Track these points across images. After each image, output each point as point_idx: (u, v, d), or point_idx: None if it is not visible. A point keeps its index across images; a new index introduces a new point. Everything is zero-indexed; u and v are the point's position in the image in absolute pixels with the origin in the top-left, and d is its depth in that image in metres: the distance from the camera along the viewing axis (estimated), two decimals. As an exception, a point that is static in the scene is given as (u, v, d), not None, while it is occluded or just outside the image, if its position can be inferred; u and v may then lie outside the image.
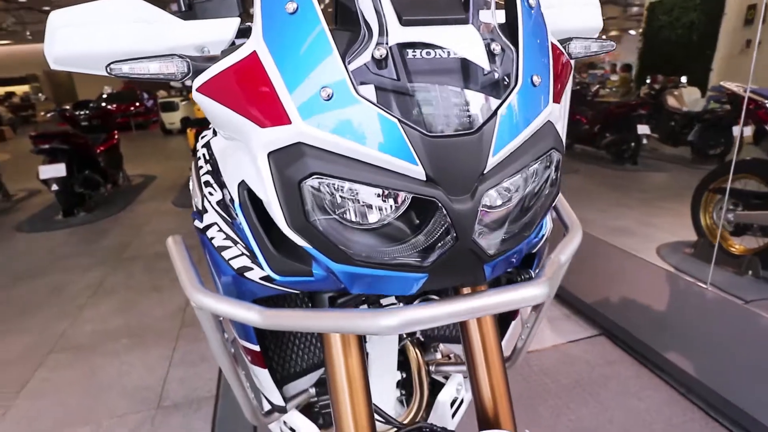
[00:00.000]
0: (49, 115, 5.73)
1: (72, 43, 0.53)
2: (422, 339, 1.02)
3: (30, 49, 18.65)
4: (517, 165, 0.48)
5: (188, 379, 1.92)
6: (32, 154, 4.22)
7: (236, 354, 0.73)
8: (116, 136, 5.36)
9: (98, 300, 2.68)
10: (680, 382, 1.75)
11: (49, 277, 3.06)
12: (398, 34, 0.46)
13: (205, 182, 0.72)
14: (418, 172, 0.45)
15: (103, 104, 8.41)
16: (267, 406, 0.87)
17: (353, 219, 0.48)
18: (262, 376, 0.81)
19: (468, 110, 0.47)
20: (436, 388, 1.06)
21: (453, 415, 1.02)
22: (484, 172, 0.47)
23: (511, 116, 0.47)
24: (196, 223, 0.70)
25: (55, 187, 4.18)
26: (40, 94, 18.21)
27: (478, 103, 0.47)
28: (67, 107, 5.71)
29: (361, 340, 0.64)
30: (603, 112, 5.76)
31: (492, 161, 0.47)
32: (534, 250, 0.69)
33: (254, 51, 0.48)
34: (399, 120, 0.45)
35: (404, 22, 0.47)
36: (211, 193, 0.70)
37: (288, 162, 0.47)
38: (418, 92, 0.46)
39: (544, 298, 0.53)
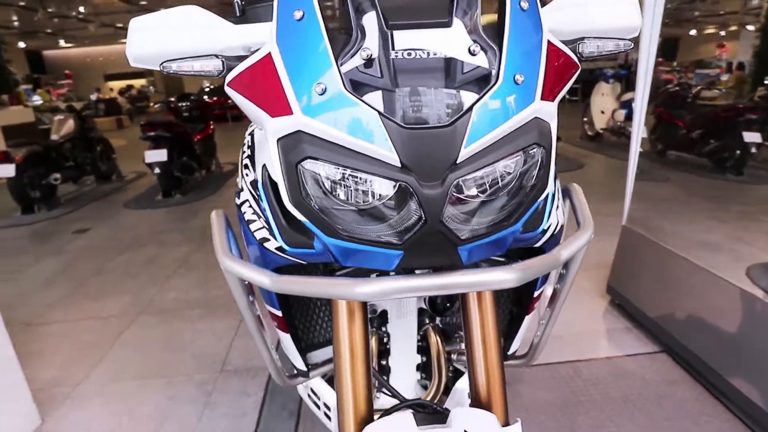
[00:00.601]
0: (157, 105, 6.44)
1: (144, 44, 0.62)
2: (442, 327, 1.07)
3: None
4: (492, 157, 0.52)
5: (248, 350, 2.10)
6: (141, 140, 4.76)
7: (265, 319, 0.83)
8: (212, 127, 5.86)
9: (183, 273, 2.99)
10: (746, 412, 1.61)
11: (146, 249, 3.46)
12: (384, 37, 0.53)
13: (244, 165, 0.83)
14: (393, 159, 0.51)
15: (204, 97, 9.23)
16: (293, 370, 0.96)
17: (342, 198, 0.55)
18: (286, 341, 0.90)
19: (445, 106, 0.52)
20: (457, 376, 1.10)
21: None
22: (457, 162, 0.52)
23: (487, 112, 0.52)
24: (236, 199, 0.81)
25: (157, 170, 4.69)
26: (151, 87, 20.22)
27: (455, 99, 0.52)
28: (172, 99, 6.31)
29: (365, 312, 0.71)
30: (705, 115, 5.27)
31: (465, 152, 0.51)
32: (537, 244, 0.72)
33: (269, 52, 0.57)
34: (379, 113, 0.51)
35: (390, 27, 0.53)
36: (247, 174, 0.80)
37: (290, 147, 0.55)
38: (399, 89, 0.52)
39: (511, 284, 0.56)
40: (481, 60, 0.53)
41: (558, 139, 0.89)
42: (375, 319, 1.02)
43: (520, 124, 0.54)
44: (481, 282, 0.57)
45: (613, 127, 6.48)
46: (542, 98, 0.55)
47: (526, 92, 0.54)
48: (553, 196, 0.75)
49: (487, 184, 0.54)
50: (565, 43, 0.63)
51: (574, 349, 1.97)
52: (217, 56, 0.62)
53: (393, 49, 0.52)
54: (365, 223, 0.56)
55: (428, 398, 1.01)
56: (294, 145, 0.54)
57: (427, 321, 1.04)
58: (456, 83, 0.52)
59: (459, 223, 0.55)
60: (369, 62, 0.52)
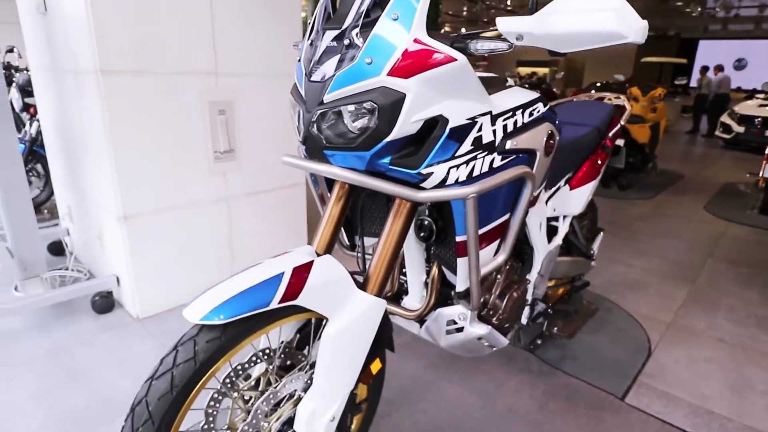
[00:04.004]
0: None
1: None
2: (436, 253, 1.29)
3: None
4: (342, 102, 0.91)
5: None
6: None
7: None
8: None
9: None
10: None
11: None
12: (318, 33, 0.99)
13: None
14: (302, 94, 0.99)
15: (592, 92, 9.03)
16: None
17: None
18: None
19: (324, 73, 0.94)
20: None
21: (447, 333, 1.31)
22: (323, 101, 0.94)
23: (343, 78, 0.91)
24: None
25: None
26: (557, 75, 21.01)
27: (330, 69, 0.93)
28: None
29: (410, 217, 1.07)
30: None
31: (326, 97, 0.93)
32: (425, 184, 0.99)
33: None
34: (305, 72, 0.98)
35: (323, 28, 0.98)
36: None
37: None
38: (314, 62, 0.97)
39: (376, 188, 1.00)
40: (354, 50, 0.91)
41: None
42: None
43: (367, 88, 0.89)
44: (377, 185, 0.98)
45: None
46: (390, 74, 0.87)
47: (372, 70, 0.88)
48: (453, 158, 0.98)
49: (336, 115, 0.93)
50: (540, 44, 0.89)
51: None
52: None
53: (321, 40, 0.98)
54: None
55: (419, 311, 1.33)
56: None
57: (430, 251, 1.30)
58: (337, 61, 0.93)
59: (320, 134, 0.96)
60: (311, 44, 0.99)
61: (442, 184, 0.98)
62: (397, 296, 1.46)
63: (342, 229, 1.33)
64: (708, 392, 1.77)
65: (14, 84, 3.59)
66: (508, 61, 22.60)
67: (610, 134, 1.87)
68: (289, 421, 1.04)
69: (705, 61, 12.32)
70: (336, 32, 0.95)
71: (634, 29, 0.84)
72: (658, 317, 2.31)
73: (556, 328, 2.11)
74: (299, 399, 1.05)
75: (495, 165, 1.05)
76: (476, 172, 1.01)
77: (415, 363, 1.87)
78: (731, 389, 1.79)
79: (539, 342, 2.06)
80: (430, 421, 1.57)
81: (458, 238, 1.07)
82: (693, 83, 12.64)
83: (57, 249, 2.84)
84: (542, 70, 22.50)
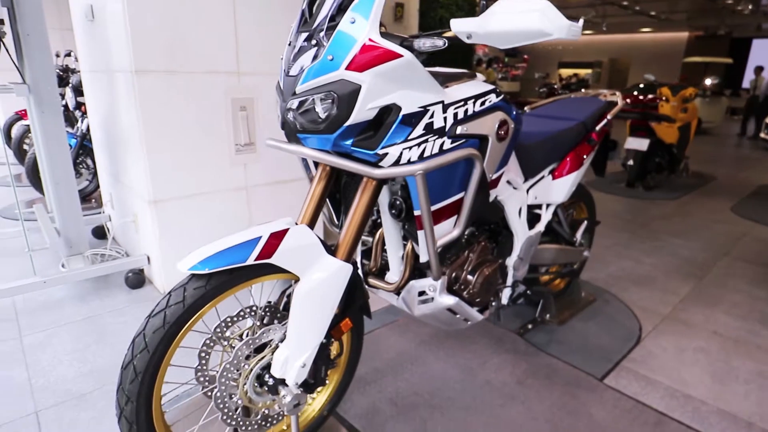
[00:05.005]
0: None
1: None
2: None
3: (603, 40, 20.92)
4: (310, 92, 1.07)
5: None
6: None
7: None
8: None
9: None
10: None
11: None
12: (296, 34, 1.16)
13: None
14: (281, 87, 1.16)
15: (635, 92, 9.03)
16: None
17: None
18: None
19: (300, 68, 1.10)
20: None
21: (418, 303, 1.44)
22: (296, 92, 1.10)
23: (311, 72, 1.07)
24: None
25: (630, 162, 4.76)
26: (589, 77, 20.39)
27: (303, 65, 1.09)
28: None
29: (375, 194, 1.24)
30: None
31: (299, 89, 1.09)
32: (382, 163, 1.14)
33: None
34: (284, 68, 1.15)
35: (298, 30, 1.15)
36: None
37: None
38: (290, 59, 1.14)
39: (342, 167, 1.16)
40: (321, 49, 1.07)
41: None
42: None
43: (330, 81, 1.05)
44: (341, 163, 1.15)
45: None
46: (348, 68, 1.03)
47: (333, 65, 1.04)
48: (406, 140, 1.13)
49: (305, 103, 1.09)
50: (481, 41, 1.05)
51: None
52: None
53: (297, 41, 1.14)
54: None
55: (395, 283, 1.46)
56: None
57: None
58: (309, 57, 1.09)
59: (295, 119, 1.12)
60: (290, 44, 1.16)
61: (397, 163, 1.13)
62: (382, 272, 1.61)
63: (330, 207, 1.50)
64: (689, 378, 1.82)
65: (69, 84, 3.98)
66: (550, 62, 22.24)
67: (597, 128, 1.95)
68: (269, 367, 1.21)
69: (760, 61, 11.77)
70: (307, 33, 1.11)
71: (557, 26, 0.96)
72: (656, 310, 2.35)
73: (548, 315, 2.20)
74: (277, 348, 1.22)
75: (445, 147, 1.18)
76: (427, 153, 1.15)
77: (408, 340, 2.01)
78: (713, 377, 1.83)
79: (530, 327, 2.16)
80: (410, 388, 1.71)
81: (416, 213, 1.21)
82: (746, 84, 12.08)
83: (100, 233, 3.16)
84: (585, 71, 22.08)
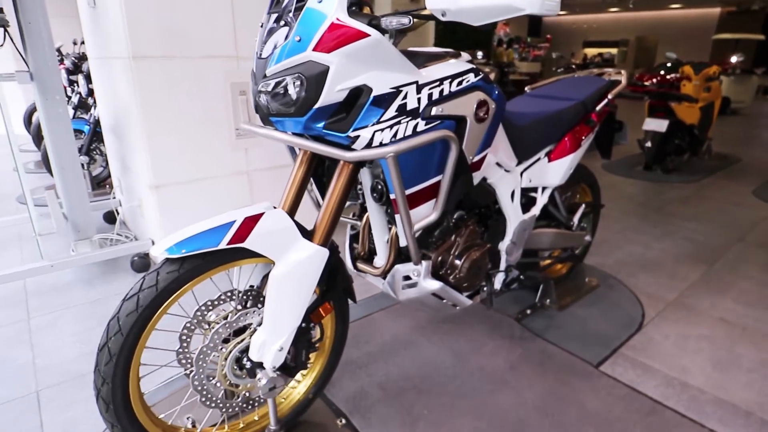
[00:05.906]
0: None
1: None
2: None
3: (630, 17, 20.17)
4: (279, 75, 1.06)
5: None
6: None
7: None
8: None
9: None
10: None
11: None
12: (267, 15, 1.15)
13: None
14: (254, 71, 1.15)
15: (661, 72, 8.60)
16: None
17: None
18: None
19: (270, 49, 1.09)
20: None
21: (403, 288, 1.41)
22: (266, 74, 1.08)
23: (279, 54, 1.06)
24: None
25: (648, 144, 4.61)
26: (612, 56, 19.65)
27: (273, 47, 1.09)
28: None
29: (351, 177, 1.22)
30: None
31: (269, 71, 1.08)
32: (355, 146, 1.12)
33: None
34: (256, 51, 1.13)
35: (269, 11, 1.15)
36: None
37: None
38: (261, 41, 1.13)
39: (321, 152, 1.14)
40: (289, 30, 1.06)
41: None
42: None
43: (298, 62, 1.04)
44: (314, 147, 1.14)
45: None
46: (315, 49, 1.02)
47: (300, 47, 1.03)
48: (379, 122, 1.11)
49: (275, 86, 1.08)
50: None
51: None
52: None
53: (267, 22, 1.14)
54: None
55: (381, 267, 1.44)
56: None
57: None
58: (277, 41, 1.08)
59: (267, 103, 1.11)
60: (261, 26, 1.16)
61: (369, 146, 1.10)
62: (371, 257, 1.60)
63: (317, 191, 1.49)
64: (690, 366, 1.77)
65: (82, 72, 4.04)
66: (574, 42, 21.58)
67: (597, 108, 1.88)
68: (248, 350, 1.22)
69: (795, 37, 11.17)
70: (277, 14, 1.09)
71: (529, 1, 0.92)
72: (662, 296, 2.29)
73: (549, 300, 2.17)
74: (255, 331, 1.22)
75: (419, 129, 1.15)
76: (400, 135, 1.12)
77: (403, 325, 2.00)
78: (715, 365, 1.78)
79: (529, 312, 2.13)
80: (401, 373, 1.71)
81: (392, 196, 1.19)
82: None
83: (111, 218, 3.23)
84: (611, 51, 21.36)
